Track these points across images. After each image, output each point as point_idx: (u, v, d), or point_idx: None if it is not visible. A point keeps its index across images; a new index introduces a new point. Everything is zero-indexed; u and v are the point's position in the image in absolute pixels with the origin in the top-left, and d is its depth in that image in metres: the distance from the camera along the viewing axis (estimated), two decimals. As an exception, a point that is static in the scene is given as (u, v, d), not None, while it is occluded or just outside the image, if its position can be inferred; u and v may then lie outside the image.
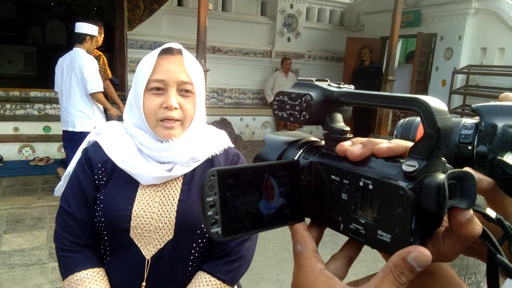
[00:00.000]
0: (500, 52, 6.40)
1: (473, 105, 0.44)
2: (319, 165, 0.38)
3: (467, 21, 6.61)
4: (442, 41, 7.09)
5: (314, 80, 0.41)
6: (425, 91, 7.27)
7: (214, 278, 1.09)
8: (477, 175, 0.40)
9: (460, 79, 6.81)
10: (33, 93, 7.03)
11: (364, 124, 7.24)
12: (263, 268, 3.25)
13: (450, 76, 6.74)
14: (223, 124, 6.90)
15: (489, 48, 6.52)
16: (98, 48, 4.50)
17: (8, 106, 6.19)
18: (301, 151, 0.41)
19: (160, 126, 1.07)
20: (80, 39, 4.04)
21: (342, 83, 0.41)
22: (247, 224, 0.35)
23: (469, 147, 0.43)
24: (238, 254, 1.12)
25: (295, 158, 0.41)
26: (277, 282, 3.09)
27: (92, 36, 4.09)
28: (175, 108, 1.06)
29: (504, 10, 6.16)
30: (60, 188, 1.19)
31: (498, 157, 0.39)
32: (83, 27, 4.07)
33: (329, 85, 0.41)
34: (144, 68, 1.07)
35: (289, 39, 8.61)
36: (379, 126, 6.75)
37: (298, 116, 0.41)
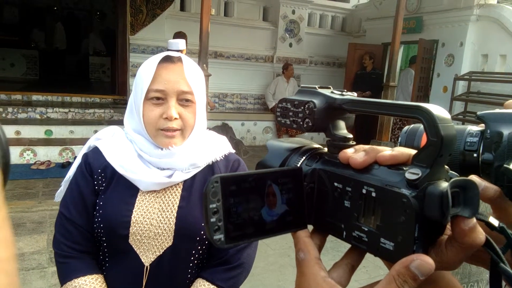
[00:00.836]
0: (502, 59, 6.40)
1: (478, 113, 0.44)
2: (322, 172, 0.38)
3: (468, 28, 6.62)
4: (443, 48, 7.10)
5: (317, 87, 0.41)
6: (426, 97, 7.27)
7: (213, 286, 1.08)
8: (483, 183, 0.40)
9: (461, 86, 6.81)
10: (35, 97, 7.06)
11: (366, 131, 7.23)
12: (264, 274, 3.24)
13: (451, 82, 6.74)
14: (224, 129, 6.90)
15: (490, 55, 6.52)
16: None
17: (10, 109, 6.21)
18: (303, 158, 0.41)
19: (160, 135, 1.07)
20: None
21: (345, 90, 0.41)
22: (249, 231, 0.35)
23: (475, 155, 0.43)
24: (238, 261, 1.11)
25: (298, 165, 0.41)
26: (278, 288, 3.08)
27: (182, 50, 4.79)
28: (175, 118, 1.05)
29: (505, 17, 6.18)
30: (60, 193, 1.19)
31: (505, 165, 0.39)
32: (176, 45, 4.75)
33: (332, 92, 0.41)
34: (143, 77, 1.06)
35: (290, 45, 8.63)
36: (380, 133, 6.75)
37: (301, 123, 0.41)
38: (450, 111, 6.52)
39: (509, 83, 6.03)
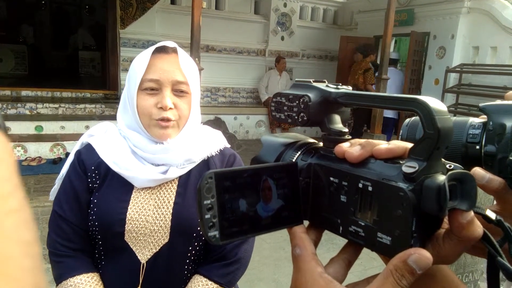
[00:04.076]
0: (492, 51, 6.45)
1: (480, 104, 0.44)
2: (317, 167, 0.38)
3: (459, 20, 6.65)
4: (435, 40, 7.13)
5: (312, 81, 0.41)
6: (418, 90, 7.31)
7: (211, 282, 1.08)
8: (487, 175, 0.40)
9: (453, 78, 6.85)
10: (25, 92, 6.96)
11: (359, 124, 7.25)
12: (259, 267, 3.25)
13: (443, 75, 6.78)
14: (217, 123, 6.88)
15: (481, 47, 6.56)
16: None
17: (-1, 105, 6.13)
18: (299, 153, 0.41)
19: (155, 126, 1.05)
20: (395, 62, 7.22)
21: (340, 84, 0.40)
22: (245, 227, 0.34)
23: (477, 147, 0.43)
24: (235, 257, 1.10)
25: (293, 160, 0.40)
26: (274, 282, 3.09)
27: (398, 59, 7.39)
28: (170, 108, 1.04)
29: (496, 9, 6.21)
30: (55, 191, 1.17)
31: (510, 158, 0.39)
32: (393, 55, 7.17)
33: (327, 86, 0.40)
34: (137, 67, 1.05)
35: (282, 38, 8.60)
36: (372, 125, 6.77)
37: (296, 117, 0.40)
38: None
39: (499, 75, 6.08)
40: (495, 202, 0.43)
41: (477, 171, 0.41)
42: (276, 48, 8.47)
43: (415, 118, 0.49)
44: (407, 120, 0.50)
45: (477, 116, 0.47)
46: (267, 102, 7.92)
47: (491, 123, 0.42)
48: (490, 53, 6.46)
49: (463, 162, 0.42)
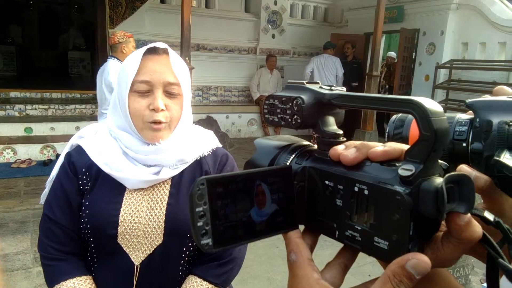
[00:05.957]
0: (481, 46, 6.51)
1: (467, 100, 0.43)
2: (312, 170, 0.37)
3: (449, 16, 6.70)
4: (424, 37, 7.18)
5: (305, 83, 0.40)
6: (408, 86, 7.36)
7: (205, 282, 1.07)
8: (473, 172, 0.39)
9: (443, 74, 6.91)
10: (13, 94, 6.87)
11: (349, 121, 7.27)
12: (253, 266, 3.24)
13: (433, 71, 6.84)
14: (209, 122, 6.85)
15: (470, 43, 6.63)
16: None
17: (-13, 107, 6.04)
18: (293, 156, 0.40)
19: (147, 128, 1.04)
20: None
21: (334, 85, 0.39)
22: (239, 233, 0.34)
23: (464, 144, 0.42)
24: (230, 256, 1.10)
25: (287, 164, 0.39)
26: (267, 280, 3.09)
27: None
28: (162, 109, 1.03)
29: (484, 5, 6.27)
30: (45, 195, 1.15)
31: (495, 158, 0.38)
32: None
33: (320, 87, 0.39)
34: (128, 69, 1.03)
35: (273, 36, 8.60)
36: (364, 122, 6.79)
37: (289, 120, 0.39)
38: (432, 99, 6.59)
39: (489, 70, 6.15)
40: (481, 201, 0.42)
41: (463, 168, 0.40)
42: (267, 46, 8.47)
43: (402, 114, 0.48)
44: (394, 116, 0.49)
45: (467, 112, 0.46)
46: (259, 100, 7.92)
47: (477, 119, 0.41)
48: (479, 48, 6.53)
49: (450, 160, 0.42)
